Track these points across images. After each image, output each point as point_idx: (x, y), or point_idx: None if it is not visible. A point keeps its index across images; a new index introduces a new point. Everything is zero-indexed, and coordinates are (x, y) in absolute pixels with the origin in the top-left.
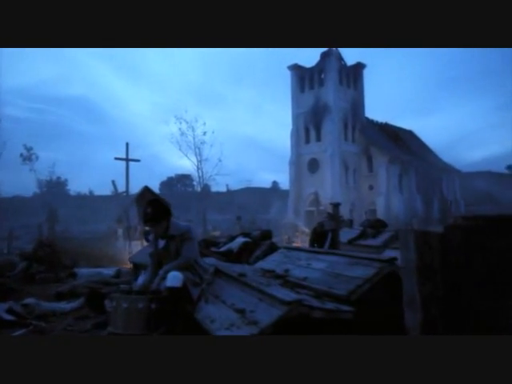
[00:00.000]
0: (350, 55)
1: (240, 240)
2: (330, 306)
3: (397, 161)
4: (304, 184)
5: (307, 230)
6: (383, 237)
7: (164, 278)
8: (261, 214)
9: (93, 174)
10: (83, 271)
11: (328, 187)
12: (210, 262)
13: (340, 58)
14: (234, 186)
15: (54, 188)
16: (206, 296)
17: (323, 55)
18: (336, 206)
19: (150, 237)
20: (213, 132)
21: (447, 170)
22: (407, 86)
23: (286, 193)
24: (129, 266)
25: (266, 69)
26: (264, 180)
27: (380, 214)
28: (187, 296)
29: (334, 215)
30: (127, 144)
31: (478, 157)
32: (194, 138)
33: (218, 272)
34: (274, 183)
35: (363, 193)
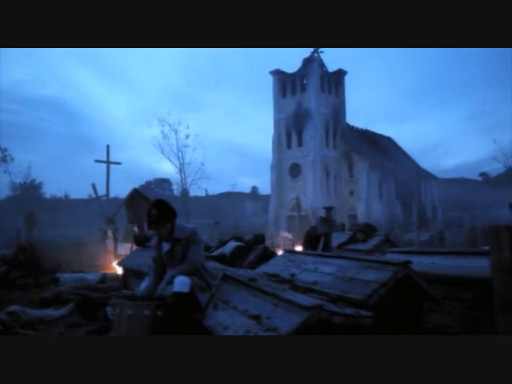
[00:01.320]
0: (331, 62)
1: (232, 244)
2: (349, 311)
3: (377, 167)
4: (285, 189)
5: (290, 236)
6: (373, 241)
7: (170, 283)
8: (241, 218)
9: (69, 176)
10: (66, 276)
11: (309, 192)
12: (213, 266)
13: (322, 64)
14: (213, 191)
15: (28, 191)
16: (215, 302)
17: (305, 61)
18: (329, 209)
19: (153, 240)
20: (196, 135)
21: (425, 176)
22: (385, 94)
23: (265, 198)
24: (113, 271)
25: (244, 74)
26: (243, 185)
27: (360, 220)
28: (195, 302)
29: (327, 219)
30: (108, 146)
31: (452, 164)
32: (176, 141)
33: (224, 277)
34: (254, 188)
35: (344, 198)
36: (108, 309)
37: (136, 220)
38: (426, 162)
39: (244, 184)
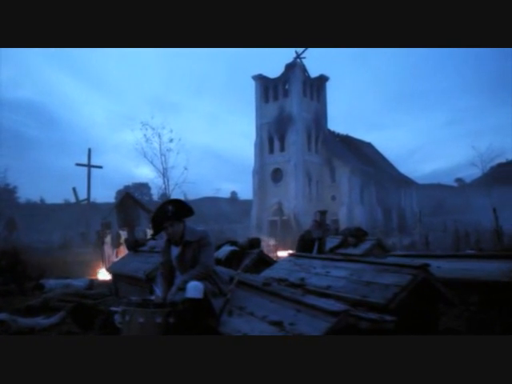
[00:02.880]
0: (312, 68)
1: (227, 249)
2: (372, 315)
3: (358, 172)
4: (267, 194)
5: (272, 242)
6: (364, 246)
7: (182, 288)
8: (223, 223)
9: (45, 181)
10: (51, 283)
11: (291, 197)
12: (221, 270)
13: (304, 70)
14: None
15: (3, 195)
16: (230, 308)
17: (288, 66)
18: (323, 213)
19: (159, 243)
20: (179, 139)
21: (404, 181)
22: (363, 101)
23: (244, 203)
24: (97, 277)
25: (223, 79)
26: (222, 190)
27: (342, 224)
28: (208, 308)
29: (321, 223)
30: (89, 150)
31: (428, 170)
32: (160, 145)
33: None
34: (233, 193)
35: (326, 203)
36: (116, 316)
37: (127, 224)
38: (404, 168)
39: (223, 189)
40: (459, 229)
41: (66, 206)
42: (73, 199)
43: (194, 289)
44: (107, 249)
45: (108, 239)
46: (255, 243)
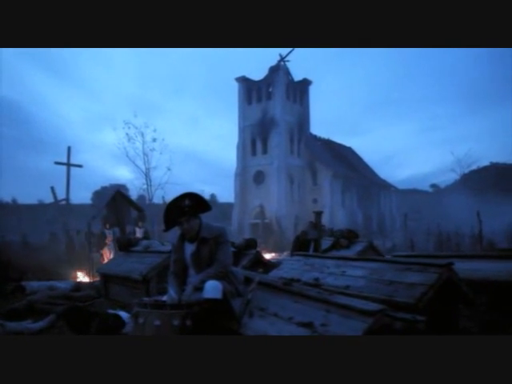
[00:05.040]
0: (295, 71)
1: None
2: (407, 315)
3: (340, 176)
4: (249, 196)
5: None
6: (357, 247)
7: (199, 288)
8: None
9: (17, 180)
10: (33, 285)
11: (274, 200)
12: (236, 270)
13: (288, 73)
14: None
15: None
16: (251, 309)
17: (272, 69)
18: (318, 214)
19: (173, 240)
20: (163, 139)
21: (384, 186)
22: (341, 106)
23: (223, 205)
24: (78, 279)
25: (202, 81)
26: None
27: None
28: (228, 310)
29: (317, 224)
30: (69, 148)
31: (404, 175)
32: (142, 145)
33: (248, 280)
34: (212, 196)
35: (307, 206)
36: (128, 319)
37: (118, 223)
38: (381, 174)
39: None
40: (442, 232)
41: (40, 207)
42: (48, 199)
43: (213, 289)
44: (108, 250)
45: (110, 237)
46: (252, 244)
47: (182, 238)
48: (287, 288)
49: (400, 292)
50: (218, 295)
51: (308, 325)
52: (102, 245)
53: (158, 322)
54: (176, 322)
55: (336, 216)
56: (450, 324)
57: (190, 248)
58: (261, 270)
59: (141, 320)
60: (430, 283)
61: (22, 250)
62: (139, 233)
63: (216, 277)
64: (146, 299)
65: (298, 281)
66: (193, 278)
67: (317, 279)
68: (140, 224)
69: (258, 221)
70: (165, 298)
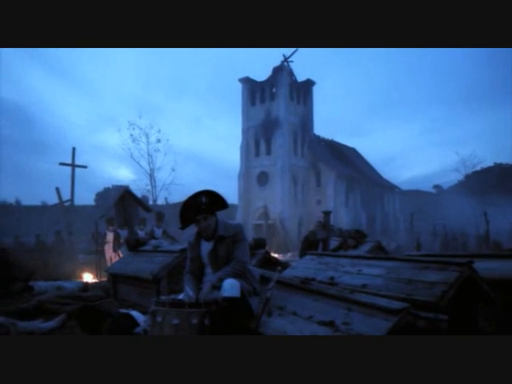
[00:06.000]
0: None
1: None
2: (429, 314)
3: (344, 177)
4: (253, 197)
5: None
6: (364, 247)
7: (217, 286)
8: None
9: (20, 182)
10: (41, 285)
11: (277, 201)
12: (252, 268)
13: (291, 74)
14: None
15: None
16: (269, 308)
17: (275, 70)
18: (327, 214)
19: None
20: (167, 140)
21: (388, 186)
22: (344, 107)
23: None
24: (85, 279)
25: (204, 82)
26: None
27: None
28: (246, 308)
29: (325, 224)
30: (74, 148)
31: (406, 176)
32: (147, 145)
33: (263, 279)
34: None
35: (311, 207)
36: (144, 318)
37: (126, 223)
38: (384, 175)
39: None
40: (447, 233)
41: (43, 208)
42: (51, 201)
43: (231, 287)
44: (108, 249)
45: (110, 239)
46: (261, 243)
47: (199, 236)
48: (305, 286)
49: (420, 291)
50: (237, 293)
51: (329, 323)
52: (117, 244)
53: (176, 321)
54: (194, 321)
55: (340, 217)
56: (470, 324)
57: (206, 246)
58: (279, 268)
59: (159, 319)
60: (450, 281)
61: (28, 251)
62: (157, 233)
63: (234, 275)
64: (163, 298)
65: (313, 280)
66: (209, 276)
67: (332, 278)
68: (159, 224)
69: (261, 222)
70: (181, 296)
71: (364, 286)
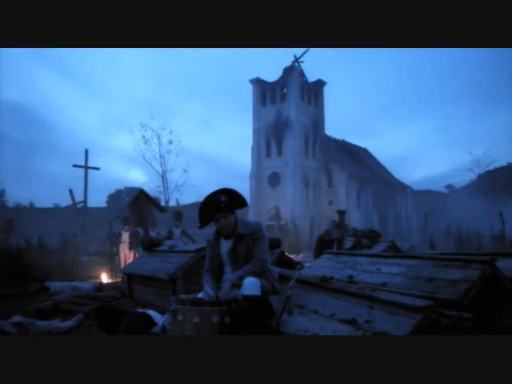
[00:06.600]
0: (309, 72)
1: None
2: (453, 312)
3: (355, 177)
4: (264, 198)
5: None
6: (378, 247)
7: (237, 285)
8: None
9: (33, 184)
10: (56, 285)
11: (289, 201)
12: (270, 267)
13: (302, 74)
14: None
15: None
16: (290, 306)
17: (286, 70)
18: (342, 213)
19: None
20: (179, 141)
21: (400, 187)
22: (354, 108)
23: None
24: (100, 280)
25: (213, 83)
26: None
27: None
28: (266, 307)
29: (340, 223)
30: (86, 151)
31: (418, 177)
32: (159, 147)
33: (282, 278)
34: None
35: (323, 208)
36: (161, 317)
37: (141, 223)
38: (395, 175)
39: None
40: (462, 233)
41: (56, 210)
42: (64, 203)
43: (252, 285)
44: (124, 249)
45: (126, 238)
46: (276, 243)
47: (218, 235)
48: (325, 285)
49: (441, 289)
50: (257, 292)
51: (351, 321)
52: (134, 244)
53: (197, 319)
54: (215, 320)
55: (352, 217)
56: (493, 322)
57: (226, 245)
58: (299, 265)
59: (179, 317)
60: (473, 279)
61: (44, 252)
62: (176, 232)
63: (254, 273)
64: (183, 296)
65: (332, 279)
66: (229, 275)
67: (351, 277)
68: (177, 223)
69: (273, 222)
70: (200, 295)
71: (384, 284)
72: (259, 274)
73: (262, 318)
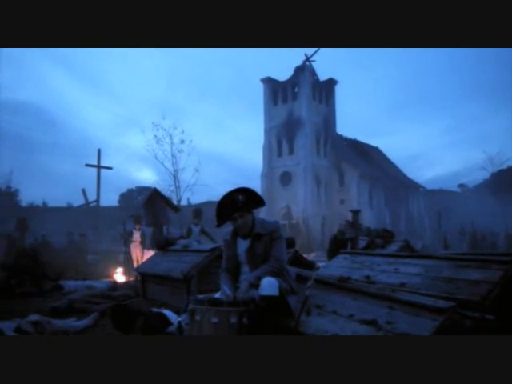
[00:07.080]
0: (320, 71)
1: None
2: (475, 313)
3: (367, 176)
4: (276, 197)
5: None
6: (392, 247)
7: (255, 285)
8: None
9: (46, 183)
10: (70, 284)
11: (300, 201)
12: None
13: (313, 73)
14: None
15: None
16: (308, 307)
17: (297, 69)
18: (356, 213)
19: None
20: (191, 141)
21: (412, 186)
22: (365, 107)
23: None
24: (113, 278)
25: (226, 82)
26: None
27: None
28: (284, 307)
29: (354, 223)
30: (99, 150)
31: (430, 175)
32: (171, 146)
33: (299, 278)
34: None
35: (334, 207)
36: (176, 317)
37: (155, 222)
38: (408, 174)
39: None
40: (476, 232)
41: (69, 209)
42: (77, 202)
43: (270, 285)
44: (135, 248)
45: (138, 237)
46: (290, 243)
47: (235, 234)
48: (344, 285)
49: (462, 290)
50: (275, 292)
51: (372, 322)
52: (149, 244)
53: (215, 319)
54: (233, 320)
55: (364, 216)
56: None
57: (243, 244)
58: (317, 265)
59: (197, 317)
60: (495, 280)
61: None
62: (195, 230)
63: (272, 273)
64: (201, 296)
65: (349, 279)
66: (246, 274)
67: (368, 277)
68: (196, 221)
69: (284, 222)
70: (217, 295)
71: (402, 284)
72: (277, 273)
73: (280, 318)
